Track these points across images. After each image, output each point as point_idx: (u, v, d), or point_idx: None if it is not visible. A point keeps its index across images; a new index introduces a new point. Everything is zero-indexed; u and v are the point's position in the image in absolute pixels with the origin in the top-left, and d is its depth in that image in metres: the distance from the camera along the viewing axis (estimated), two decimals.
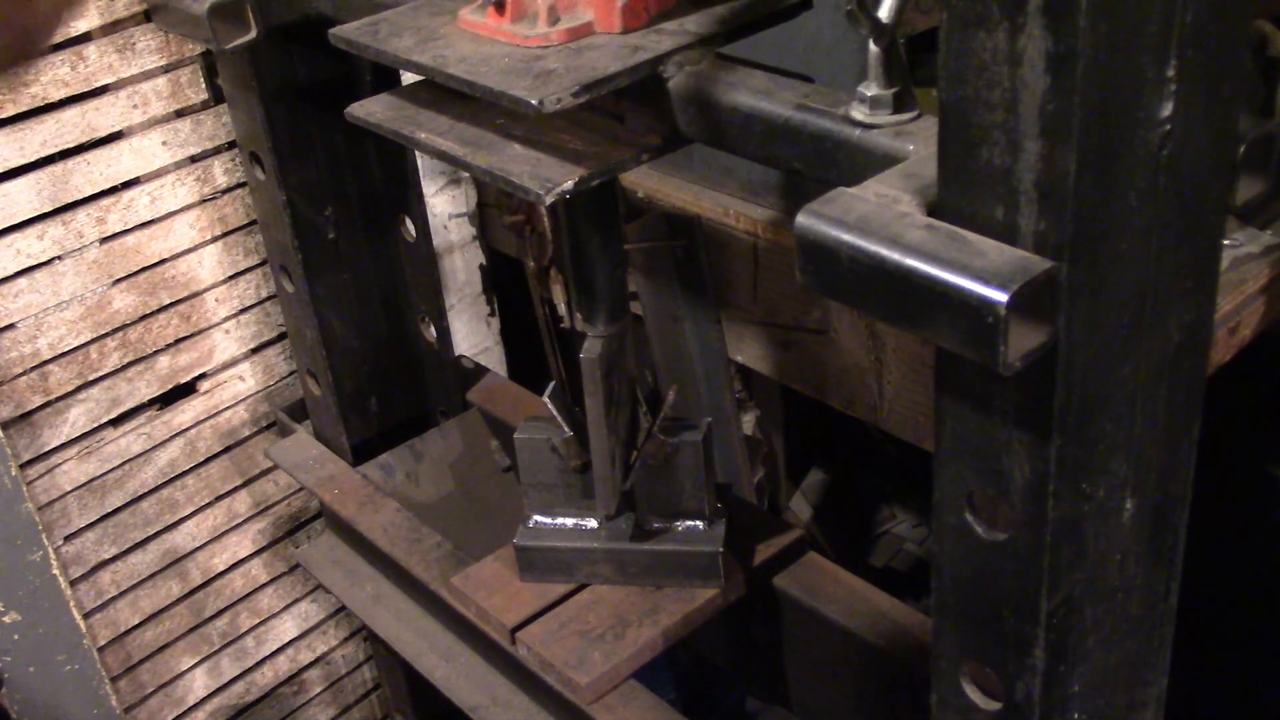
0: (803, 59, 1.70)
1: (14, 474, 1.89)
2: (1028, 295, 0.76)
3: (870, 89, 1.01)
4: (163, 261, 2.01)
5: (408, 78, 1.29)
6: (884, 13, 0.95)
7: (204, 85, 1.95)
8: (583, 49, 1.16)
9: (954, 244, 0.79)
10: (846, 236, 0.83)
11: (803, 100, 1.06)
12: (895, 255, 0.80)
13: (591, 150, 1.20)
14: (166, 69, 1.90)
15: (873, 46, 0.99)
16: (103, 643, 2.14)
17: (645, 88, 1.16)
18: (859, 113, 1.01)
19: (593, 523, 1.63)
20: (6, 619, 1.95)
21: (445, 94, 1.24)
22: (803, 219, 0.85)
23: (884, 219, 0.83)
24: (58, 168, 1.85)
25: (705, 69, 1.15)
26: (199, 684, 2.30)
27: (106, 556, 2.10)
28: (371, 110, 1.32)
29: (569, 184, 1.15)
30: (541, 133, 1.22)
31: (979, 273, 0.76)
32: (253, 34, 1.61)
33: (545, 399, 1.56)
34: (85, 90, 1.84)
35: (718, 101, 1.12)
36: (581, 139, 1.22)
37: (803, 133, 1.05)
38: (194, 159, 2.00)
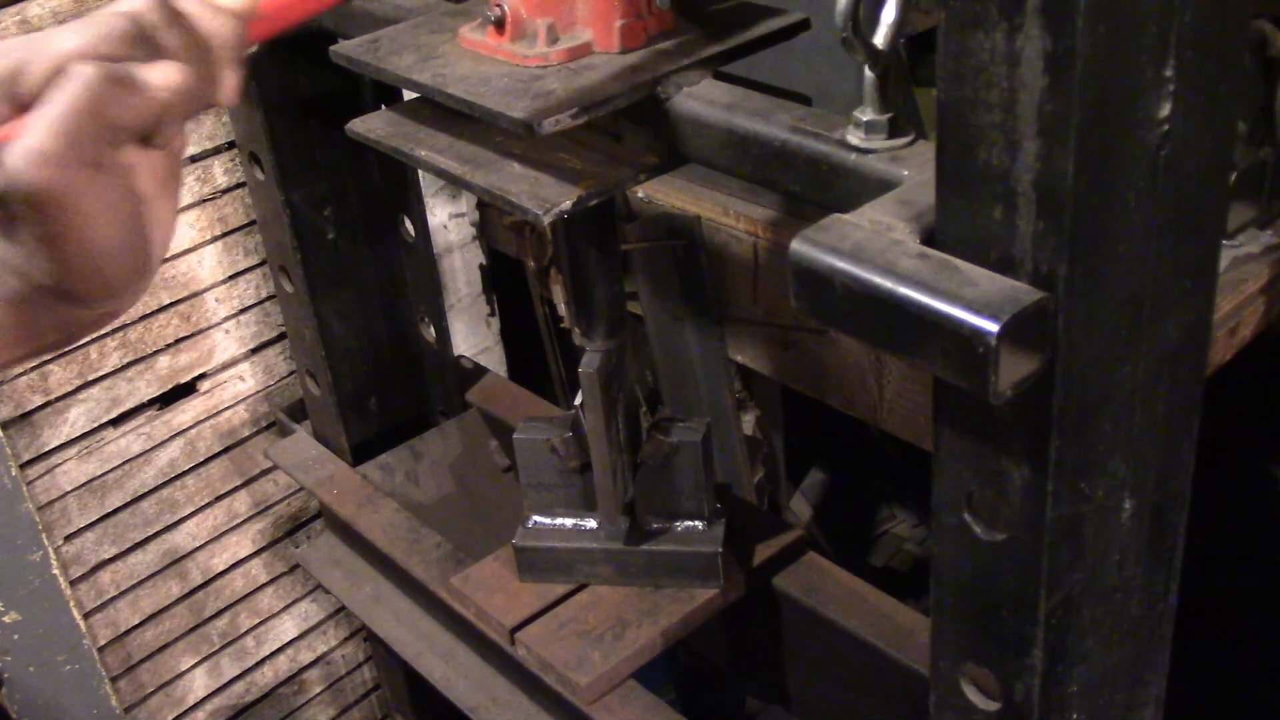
0: (803, 60, 1.70)
1: (14, 474, 1.89)
2: (1019, 325, 0.76)
3: (866, 114, 1.01)
4: (163, 261, 2.00)
5: (408, 92, 1.30)
6: (879, 39, 0.96)
7: None
8: (581, 69, 1.17)
9: (946, 273, 0.80)
10: (840, 264, 0.83)
11: (799, 123, 1.07)
12: (888, 284, 0.81)
13: (590, 169, 1.20)
14: None
15: (868, 72, 0.99)
16: (103, 643, 2.14)
17: (643, 108, 1.17)
18: (854, 137, 1.02)
19: (592, 523, 1.63)
20: (6, 619, 1.95)
21: (445, 111, 1.24)
22: (797, 245, 0.85)
23: (878, 247, 0.83)
24: None
25: (703, 90, 1.15)
26: (199, 684, 2.30)
27: (106, 556, 2.10)
28: (372, 127, 1.33)
29: (567, 203, 1.16)
30: (540, 151, 1.23)
31: (970, 302, 0.77)
32: (254, 47, 1.61)
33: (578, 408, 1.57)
34: None
35: (714, 123, 1.12)
36: (580, 158, 1.22)
37: (798, 156, 1.06)
38: (194, 159, 2.00)
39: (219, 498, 2.22)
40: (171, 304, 2.04)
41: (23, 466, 1.95)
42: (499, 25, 1.19)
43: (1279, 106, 1.34)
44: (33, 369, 1.92)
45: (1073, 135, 0.74)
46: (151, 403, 2.09)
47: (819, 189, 1.05)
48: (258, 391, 2.20)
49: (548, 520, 1.65)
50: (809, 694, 1.74)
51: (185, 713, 2.31)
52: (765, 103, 1.11)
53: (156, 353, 2.05)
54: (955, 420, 0.91)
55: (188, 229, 2.02)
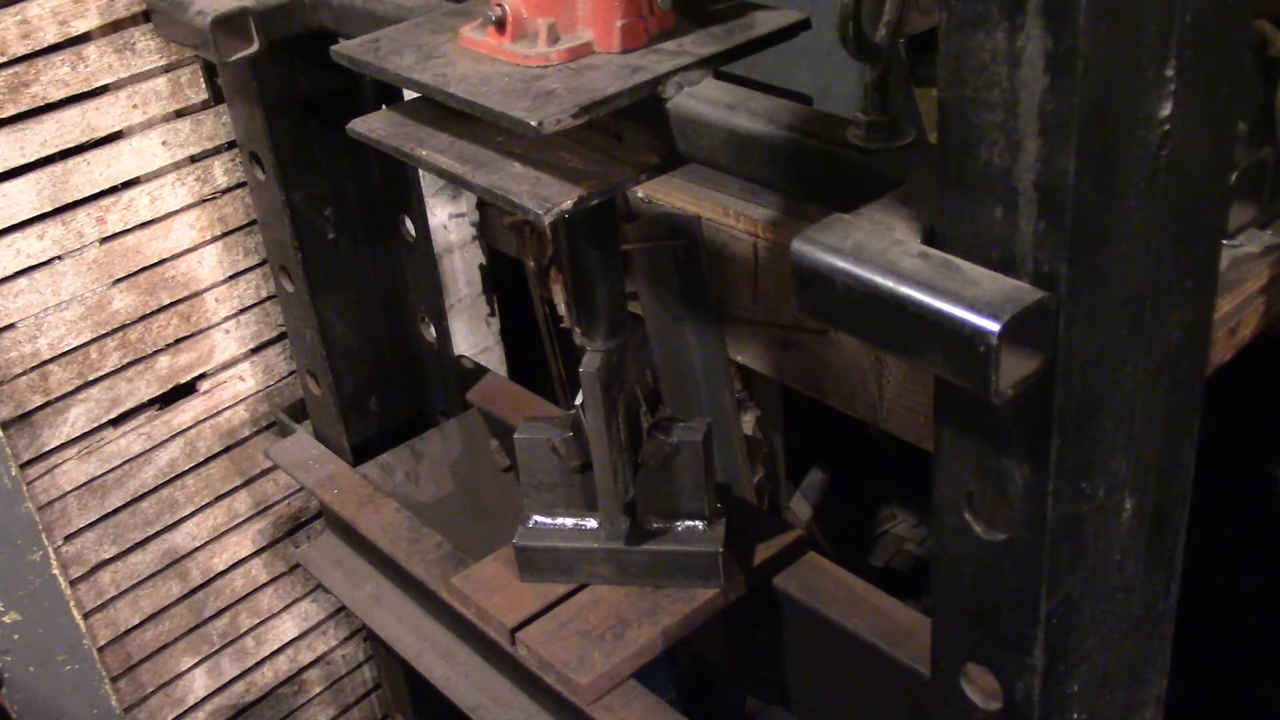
0: (803, 60, 1.70)
1: (14, 474, 1.89)
2: (1019, 324, 0.76)
3: (866, 114, 1.01)
4: (163, 261, 2.01)
5: (409, 91, 1.30)
6: (879, 40, 0.96)
7: (204, 85, 1.95)
8: (582, 69, 1.17)
9: (947, 273, 0.80)
10: (842, 264, 0.84)
11: (800, 124, 1.07)
12: (889, 283, 0.81)
13: (590, 169, 1.20)
14: (166, 69, 1.90)
15: (869, 73, 0.99)
16: (103, 643, 2.14)
17: (644, 108, 1.17)
18: (855, 138, 1.02)
19: (592, 523, 1.63)
20: (6, 619, 1.95)
21: (445, 111, 1.24)
22: (799, 245, 0.86)
23: (879, 246, 0.84)
24: (58, 168, 1.85)
25: (704, 90, 1.15)
26: (199, 684, 2.30)
27: (106, 556, 2.10)
28: (373, 126, 1.33)
29: (568, 203, 1.16)
30: (541, 151, 1.23)
31: (971, 302, 0.77)
32: (255, 47, 1.61)
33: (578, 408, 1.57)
34: (85, 90, 1.84)
35: (715, 123, 1.12)
36: (581, 157, 1.22)
37: (799, 156, 1.06)
38: (194, 159, 2.00)
39: (219, 498, 2.22)
40: (171, 304, 2.04)
41: (23, 466, 1.94)
42: (500, 25, 1.19)
43: (1279, 106, 1.34)
44: (33, 369, 1.92)
45: (1074, 135, 0.74)
46: (151, 403, 2.09)
47: (820, 189, 1.05)
48: (258, 391, 2.20)
49: (548, 520, 1.65)
50: (809, 694, 1.74)
51: (185, 713, 2.31)
52: (766, 103, 1.11)
53: (156, 353, 2.05)
54: (956, 420, 0.91)
55: (188, 229, 2.02)
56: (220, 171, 2.02)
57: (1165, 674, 1.09)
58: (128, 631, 2.17)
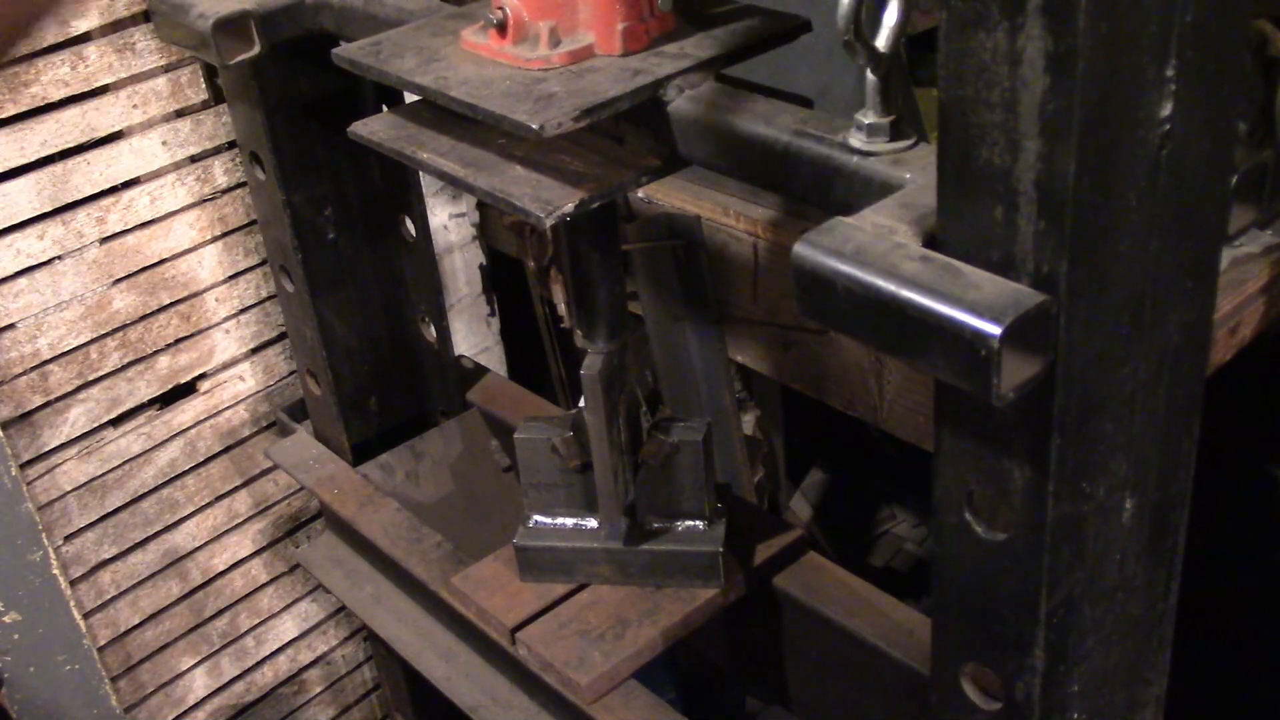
0: (804, 62, 1.70)
1: (14, 474, 1.89)
2: (1021, 328, 0.77)
3: (868, 116, 1.01)
4: (163, 261, 2.01)
5: (410, 94, 1.30)
6: (881, 43, 0.96)
7: (204, 85, 1.95)
8: (584, 72, 1.17)
9: (948, 276, 0.80)
10: (843, 267, 0.84)
11: (801, 126, 1.07)
12: (890, 287, 0.81)
13: (592, 172, 1.20)
14: (166, 69, 1.90)
15: (870, 75, 0.99)
16: (103, 643, 2.14)
17: (645, 110, 1.17)
18: (856, 140, 1.02)
19: (592, 523, 1.63)
20: (6, 619, 1.95)
21: (446, 113, 1.25)
22: (800, 248, 0.86)
23: (880, 250, 0.84)
24: (58, 168, 1.85)
25: (705, 93, 1.16)
26: (199, 684, 2.30)
27: (106, 556, 2.10)
28: (374, 129, 1.33)
29: (569, 206, 1.16)
30: (542, 154, 1.23)
31: (973, 305, 0.77)
32: (256, 50, 1.61)
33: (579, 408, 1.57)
34: (85, 90, 1.84)
35: (716, 126, 1.13)
36: (582, 160, 1.22)
37: (800, 159, 1.06)
38: (194, 159, 2.00)
39: (219, 498, 2.22)
40: (171, 304, 2.04)
41: (23, 466, 1.94)
42: (501, 28, 1.20)
43: (1279, 107, 1.34)
44: (33, 369, 1.92)
45: (1074, 135, 0.74)
46: (151, 403, 2.09)
47: (821, 192, 1.05)
48: (258, 391, 2.20)
49: (548, 520, 1.65)
50: (809, 694, 1.74)
51: (185, 713, 2.31)
52: (767, 105, 1.11)
53: (156, 353, 2.05)
54: (956, 420, 0.91)
55: (188, 229, 2.02)
56: (220, 171, 2.02)
57: (1165, 674, 1.09)
58: (128, 631, 2.17)
